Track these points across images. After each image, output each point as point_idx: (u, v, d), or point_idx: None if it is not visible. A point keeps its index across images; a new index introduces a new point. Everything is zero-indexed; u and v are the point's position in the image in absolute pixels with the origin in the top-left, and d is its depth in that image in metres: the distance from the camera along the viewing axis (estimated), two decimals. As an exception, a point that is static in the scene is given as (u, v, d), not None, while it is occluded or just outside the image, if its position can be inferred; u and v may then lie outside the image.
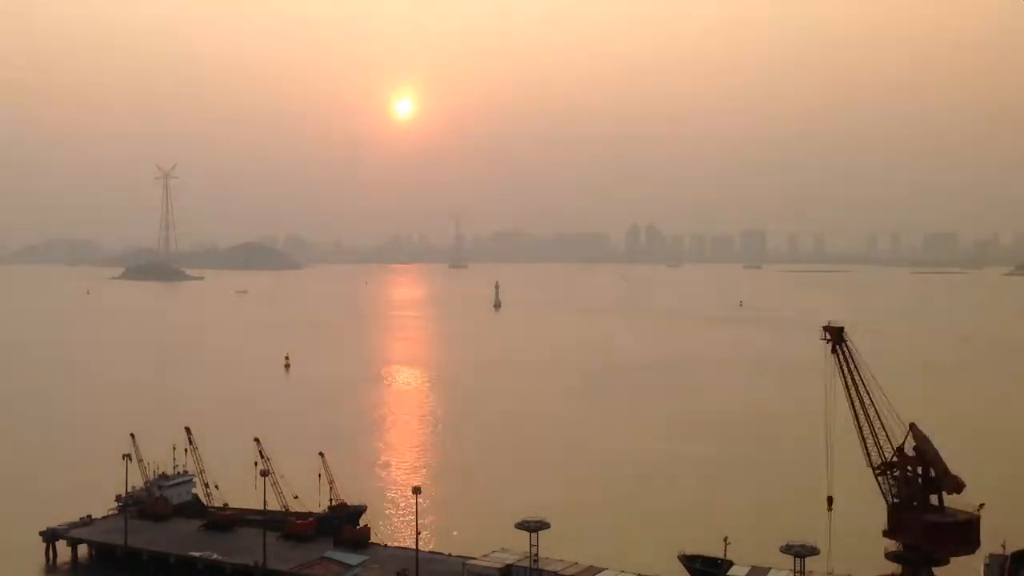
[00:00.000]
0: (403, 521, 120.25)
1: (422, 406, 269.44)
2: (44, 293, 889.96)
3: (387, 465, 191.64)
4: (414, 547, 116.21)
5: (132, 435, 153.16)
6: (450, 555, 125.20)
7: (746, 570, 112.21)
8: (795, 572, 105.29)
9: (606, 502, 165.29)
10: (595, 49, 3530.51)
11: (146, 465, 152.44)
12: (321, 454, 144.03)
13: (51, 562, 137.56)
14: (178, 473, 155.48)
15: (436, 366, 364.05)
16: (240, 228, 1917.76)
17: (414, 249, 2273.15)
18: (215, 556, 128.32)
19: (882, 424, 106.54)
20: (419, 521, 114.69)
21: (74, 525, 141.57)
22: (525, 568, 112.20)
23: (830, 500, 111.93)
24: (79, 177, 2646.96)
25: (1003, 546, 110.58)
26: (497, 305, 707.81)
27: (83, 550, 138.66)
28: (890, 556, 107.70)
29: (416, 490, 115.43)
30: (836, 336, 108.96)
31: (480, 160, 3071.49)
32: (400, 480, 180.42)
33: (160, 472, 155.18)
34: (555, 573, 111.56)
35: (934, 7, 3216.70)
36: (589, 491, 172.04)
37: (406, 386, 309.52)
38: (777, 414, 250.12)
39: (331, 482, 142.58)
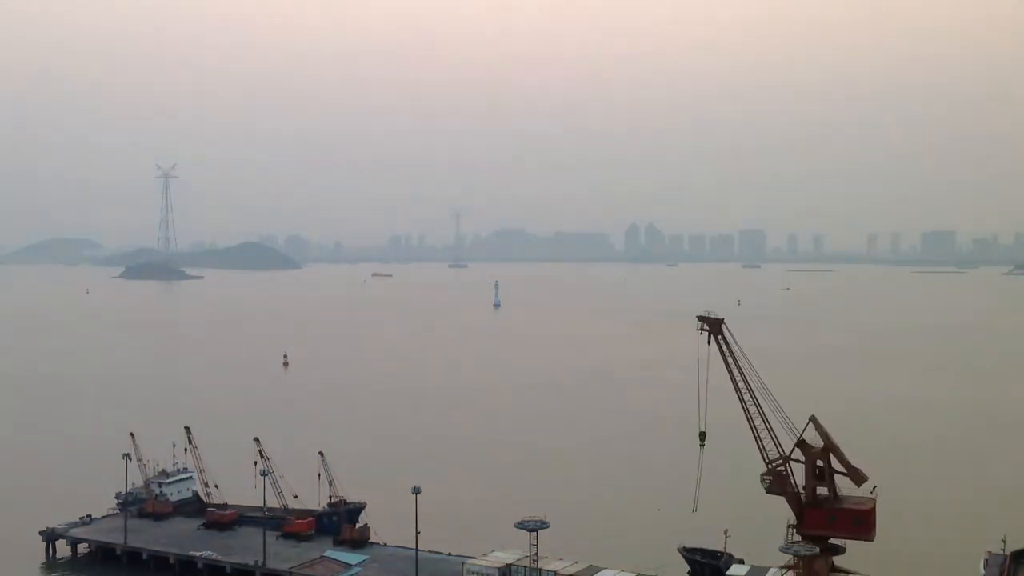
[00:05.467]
0: (403, 520, 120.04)
1: (422, 406, 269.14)
2: (43, 293, 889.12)
3: (387, 464, 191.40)
4: (414, 546, 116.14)
5: (132, 435, 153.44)
6: (450, 555, 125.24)
7: (746, 569, 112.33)
8: (795, 572, 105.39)
9: (605, 500, 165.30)
10: (595, 50, 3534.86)
11: (145, 464, 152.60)
12: (321, 453, 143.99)
13: (51, 561, 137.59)
14: (178, 471, 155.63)
15: (435, 366, 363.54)
16: (240, 228, 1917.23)
17: (414, 249, 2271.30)
18: (215, 555, 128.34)
19: (766, 423, 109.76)
20: (419, 521, 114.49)
21: (74, 525, 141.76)
22: (525, 568, 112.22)
23: (703, 435, 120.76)
24: (79, 177, 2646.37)
25: (1003, 541, 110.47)
26: (497, 304, 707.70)
27: (83, 549, 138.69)
28: (785, 548, 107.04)
29: (416, 490, 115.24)
30: (713, 327, 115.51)
31: (481, 159, 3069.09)
32: (400, 479, 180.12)
33: (160, 469, 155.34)
34: (555, 573, 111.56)
35: (933, 10, 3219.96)
36: (589, 490, 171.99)
37: (405, 386, 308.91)
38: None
39: (331, 481, 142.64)
